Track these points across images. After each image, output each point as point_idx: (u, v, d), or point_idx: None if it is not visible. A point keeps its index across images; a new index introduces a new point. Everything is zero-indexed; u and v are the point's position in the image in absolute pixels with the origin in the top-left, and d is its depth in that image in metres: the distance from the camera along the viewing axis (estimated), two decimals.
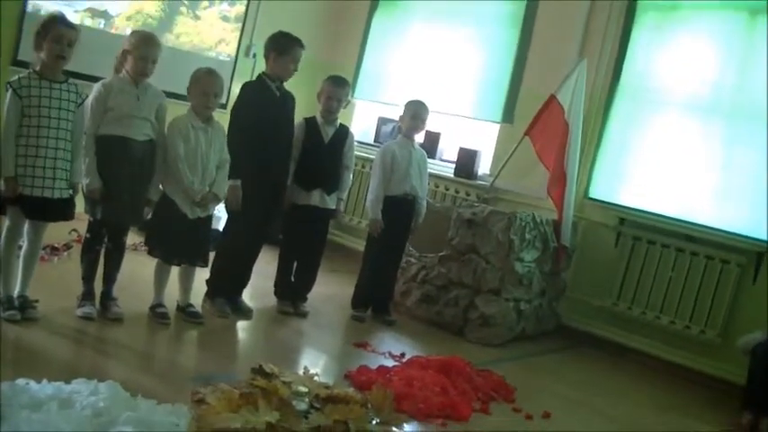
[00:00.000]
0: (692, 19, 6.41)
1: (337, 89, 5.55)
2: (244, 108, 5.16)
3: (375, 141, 8.05)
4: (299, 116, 5.58)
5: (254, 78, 5.59)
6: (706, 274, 6.06)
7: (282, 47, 5.20)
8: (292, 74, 5.27)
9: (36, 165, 4.11)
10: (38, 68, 4.18)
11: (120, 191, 4.44)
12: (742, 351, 5.27)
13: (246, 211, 5.05)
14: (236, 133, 5.00)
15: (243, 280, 5.39)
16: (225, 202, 5.03)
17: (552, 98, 6.33)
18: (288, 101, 5.35)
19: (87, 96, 4.37)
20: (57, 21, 4.20)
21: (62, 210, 4.26)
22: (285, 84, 5.32)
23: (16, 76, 4.17)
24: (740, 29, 6.18)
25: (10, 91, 4.08)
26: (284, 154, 5.33)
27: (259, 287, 5.64)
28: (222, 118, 5.04)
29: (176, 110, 4.83)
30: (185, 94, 4.81)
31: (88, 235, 4.60)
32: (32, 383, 3.22)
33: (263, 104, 5.17)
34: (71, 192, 4.29)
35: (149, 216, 4.74)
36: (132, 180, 4.49)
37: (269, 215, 5.32)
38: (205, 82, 4.75)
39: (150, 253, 4.82)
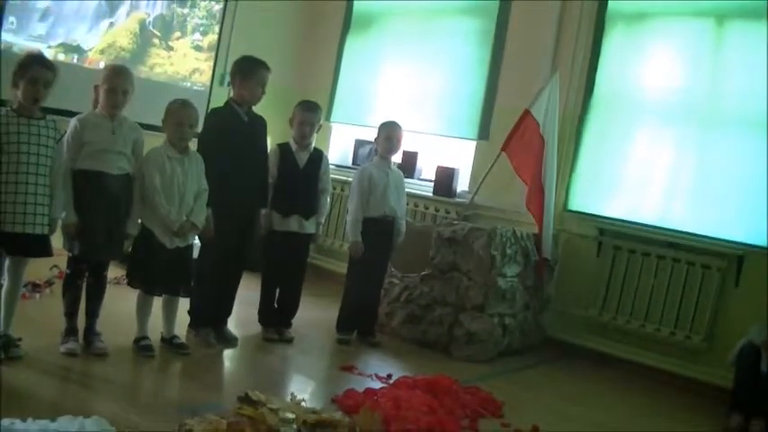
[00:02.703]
0: (660, 28, 6.49)
1: (308, 114, 5.56)
2: (210, 134, 5.13)
3: (353, 164, 8.07)
4: (275, 143, 5.60)
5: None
6: (688, 280, 6.10)
7: (247, 70, 5.19)
8: (260, 97, 5.22)
9: (17, 201, 4.08)
10: (15, 106, 4.17)
11: (97, 225, 4.43)
12: (731, 363, 5.29)
13: (218, 238, 5.01)
14: (204, 160, 4.92)
15: (226, 308, 5.36)
16: None
17: (527, 113, 6.35)
18: (257, 125, 5.31)
19: (65, 132, 4.36)
20: (34, 61, 4.20)
21: (42, 246, 4.24)
22: (259, 109, 5.31)
23: None
24: (708, 36, 6.24)
25: None
26: (256, 178, 5.27)
27: (243, 315, 5.63)
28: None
29: (153, 142, 4.82)
30: (161, 125, 4.82)
31: (69, 271, 4.59)
32: (18, 423, 3.19)
33: (229, 130, 5.13)
34: (48, 228, 4.27)
35: (129, 249, 4.73)
36: (109, 214, 4.48)
37: (243, 241, 5.28)
38: (179, 114, 4.75)
39: (131, 284, 4.80)
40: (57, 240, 4.41)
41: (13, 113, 4.14)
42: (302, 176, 5.56)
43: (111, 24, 7.08)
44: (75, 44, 6.84)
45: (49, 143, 4.21)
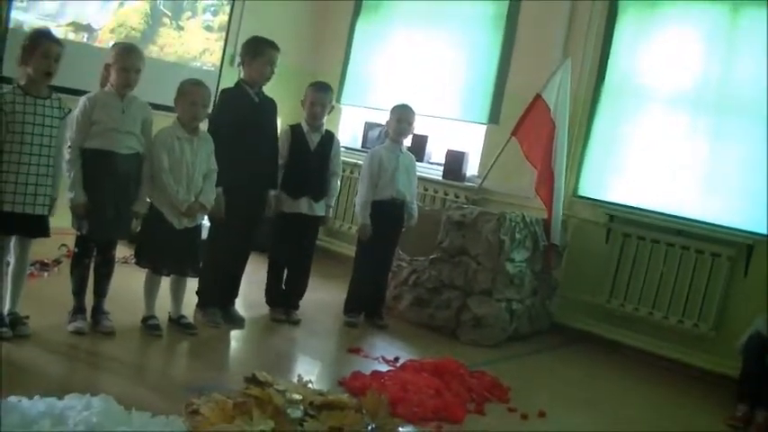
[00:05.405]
0: (674, 14, 6.43)
1: (320, 95, 5.53)
2: (221, 115, 5.14)
3: (362, 146, 8.06)
4: (286, 125, 5.59)
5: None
6: (697, 268, 6.08)
7: (255, 50, 5.17)
8: (270, 77, 5.21)
9: (18, 181, 4.08)
10: (22, 83, 4.15)
11: (106, 205, 4.42)
12: (738, 352, 5.27)
13: (228, 218, 5.03)
14: (215, 140, 4.91)
15: (233, 289, 5.37)
16: None
17: (538, 97, 6.34)
18: (268, 106, 5.30)
19: (71, 110, 4.34)
20: (44, 36, 4.19)
21: (40, 226, 4.23)
22: (269, 91, 5.31)
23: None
24: (723, 23, 6.20)
25: None
26: (265, 160, 5.26)
27: (251, 296, 5.64)
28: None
29: (162, 122, 4.81)
30: (171, 105, 4.80)
31: (77, 249, 4.59)
32: (24, 400, 3.19)
33: (240, 111, 5.13)
34: (49, 208, 4.25)
35: (138, 229, 4.73)
36: (118, 193, 4.47)
37: (252, 222, 5.29)
38: (193, 92, 4.74)
39: (139, 264, 4.81)
40: (65, 219, 4.41)
41: (19, 91, 4.13)
42: (313, 158, 5.53)
43: (122, 4, 7.05)
44: (85, 23, 6.81)
45: (54, 123, 4.20)
